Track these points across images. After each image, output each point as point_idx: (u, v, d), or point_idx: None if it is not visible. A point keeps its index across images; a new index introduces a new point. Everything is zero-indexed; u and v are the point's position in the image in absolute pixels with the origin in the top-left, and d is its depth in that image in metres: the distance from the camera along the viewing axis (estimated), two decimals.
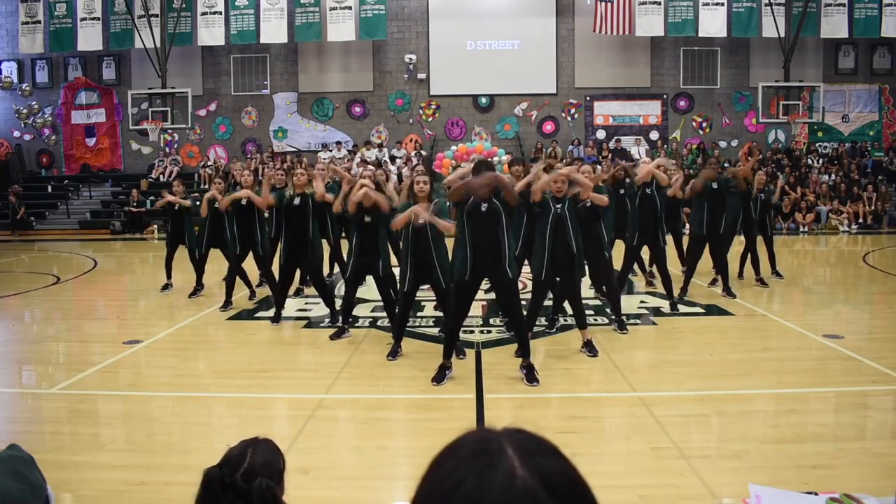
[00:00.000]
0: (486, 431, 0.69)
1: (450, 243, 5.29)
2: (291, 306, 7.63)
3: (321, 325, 6.72)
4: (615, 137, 19.75)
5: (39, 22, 19.22)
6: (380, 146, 19.59)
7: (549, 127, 20.13)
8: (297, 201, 6.51)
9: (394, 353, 5.47)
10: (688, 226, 8.39)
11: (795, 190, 17.36)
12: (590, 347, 5.50)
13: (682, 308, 7.18)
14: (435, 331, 6.33)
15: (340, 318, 6.28)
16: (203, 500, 1.64)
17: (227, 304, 7.52)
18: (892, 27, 17.97)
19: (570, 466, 0.67)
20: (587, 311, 6.19)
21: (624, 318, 6.31)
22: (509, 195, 4.67)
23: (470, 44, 19.88)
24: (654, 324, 6.61)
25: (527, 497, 0.61)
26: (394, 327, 5.68)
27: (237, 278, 7.71)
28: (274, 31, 18.76)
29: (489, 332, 6.34)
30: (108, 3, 18.91)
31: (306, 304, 7.70)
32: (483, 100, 20.13)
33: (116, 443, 3.89)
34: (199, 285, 8.34)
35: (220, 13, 18.66)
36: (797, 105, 17.60)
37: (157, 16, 18.28)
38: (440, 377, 4.83)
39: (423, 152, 19.26)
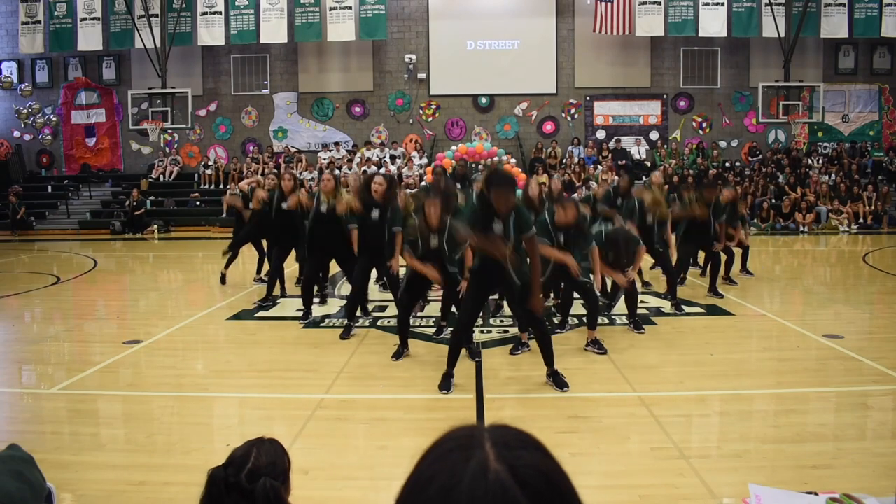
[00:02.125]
0: (470, 428, 0.69)
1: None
2: (291, 306, 7.64)
3: (321, 325, 6.73)
4: (615, 137, 19.75)
5: (39, 22, 19.22)
6: (381, 146, 19.58)
7: (549, 127, 20.13)
8: (323, 208, 6.67)
9: (398, 355, 5.47)
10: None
11: (795, 190, 17.37)
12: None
13: (682, 308, 7.18)
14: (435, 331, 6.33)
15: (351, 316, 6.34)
16: (207, 501, 1.64)
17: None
18: (892, 27, 17.97)
19: (549, 461, 0.66)
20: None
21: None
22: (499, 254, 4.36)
23: (470, 44, 19.88)
24: (654, 324, 6.61)
25: (497, 489, 0.61)
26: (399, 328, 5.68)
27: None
28: (274, 31, 18.75)
29: (489, 332, 6.34)
30: (108, 3, 18.92)
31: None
32: (483, 100, 20.13)
33: (116, 443, 3.88)
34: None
35: (220, 13, 18.66)
36: (797, 105, 17.60)
37: (157, 16, 18.28)
38: (446, 385, 4.67)
39: (424, 152, 19.26)
